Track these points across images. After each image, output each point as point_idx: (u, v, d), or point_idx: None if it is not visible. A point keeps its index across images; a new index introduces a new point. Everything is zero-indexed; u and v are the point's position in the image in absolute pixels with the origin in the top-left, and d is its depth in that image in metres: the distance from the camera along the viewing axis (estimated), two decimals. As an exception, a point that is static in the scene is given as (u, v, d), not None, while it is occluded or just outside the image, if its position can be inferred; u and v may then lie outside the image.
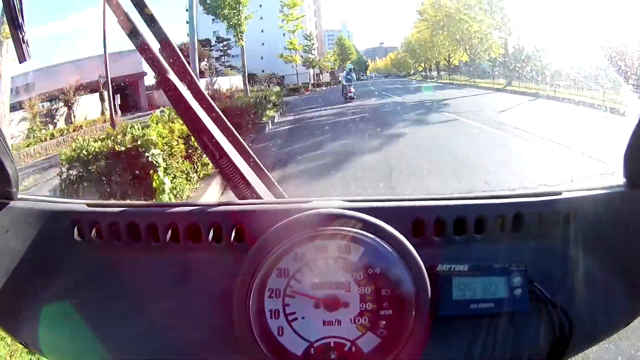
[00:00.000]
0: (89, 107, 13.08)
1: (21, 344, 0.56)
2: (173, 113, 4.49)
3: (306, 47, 24.66)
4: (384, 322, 0.46)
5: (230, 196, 0.59)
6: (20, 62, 0.62)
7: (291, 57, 22.64)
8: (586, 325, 0.51)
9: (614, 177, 0.57)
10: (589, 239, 0.54)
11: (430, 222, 0.52)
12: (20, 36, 0.61)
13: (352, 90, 10.29)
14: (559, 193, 0.55)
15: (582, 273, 0.53)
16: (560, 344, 0.50)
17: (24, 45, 0.61)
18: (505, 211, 0.53)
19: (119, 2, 0.55)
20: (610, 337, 0.54)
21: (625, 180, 0.55)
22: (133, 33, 0.55)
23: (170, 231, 0.52)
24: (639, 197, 0.54)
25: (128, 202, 0.55)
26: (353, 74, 12.62)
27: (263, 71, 23.37)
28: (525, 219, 0.53)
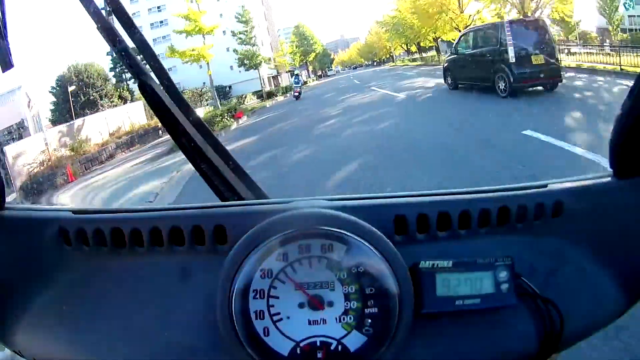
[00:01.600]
0: None
1: (14, 352, 0.57)
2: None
3: (241, 35, 14.77)
4: (369, 321, 0.46)
5: (212, 198, 0.59)
6: (4, 71, 0.62)
7: (196, 52, 12.28)
8: (577, 319, 0.51)
9: (601, 167, 0.56)
10: (577, 231, 0.53)
11: (412, 219, 0.51)
12: (3, 45, 0.61)
13: (299, 90, 14.10)
14: (545, 185, 0.55)
15: (570, 265, 0.53)
16: (551, 339, 0.50)
17: (7, 54, 0.62)
18: (490, 205, 0.52)
19: (97, 7, 0.56)
20: (602, 329, 0.54)
21: (612, 170, 0.54)
22: (112, 39, 0.55)
23: (153, 236, 0.53)
24: (627, 186, 0.53)
25: (113, 207, 0.55)
26: (300, 78, 15.82)
27: (204, 84, 15.74)
28: (510, 212, 0.52)
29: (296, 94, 14.14)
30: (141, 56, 0.58)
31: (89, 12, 0.56)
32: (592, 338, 0.54)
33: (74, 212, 0.56)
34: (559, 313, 0.50)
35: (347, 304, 0.46)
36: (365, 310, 0.46)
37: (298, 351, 0.46)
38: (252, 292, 0.46)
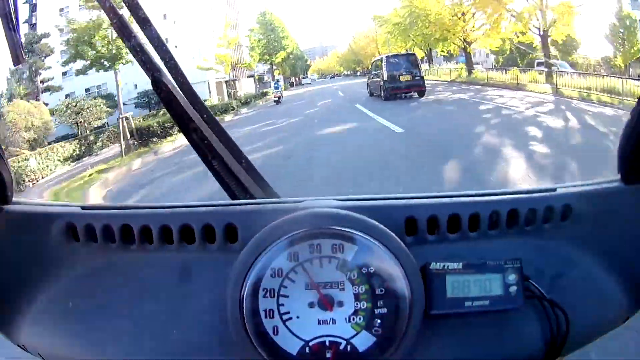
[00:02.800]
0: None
1: (19, 346, 0.56)
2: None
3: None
4: (378, 321, 0.46)
5: (223, 196, 0.59)
6: (15, 66, 0.63)
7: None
8: (583, 321, 0.51)
9: (609, 172, 0.56)
10: (584, 235, 0.54)
11: (423, 220, 0.51)
12: (15, 39, 0.61)
13: (279, 95, 13.28)
14: (554, 189, 0.55)
15: (577, 269, 0.53)
16: (557, 341, 0.50)
17: (18, 49, 0.62)
18: (499, 208, 0.53)
19: (112, 4, 0.56)
20: (608, 332, 0.54)
21: (620, 175, 0.54)
22: (126, 35, 0.55)
23: (163, 233, 0.53)
24: (634, 192, 0.54)
25: (122, 204, 0.55)
26: (279, 83, 14.83)
27: (88, 92, 9.70)
28: (519, 215, 0.53)
29: (276, 98, 13.65)
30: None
31: (103, 8, 0.56)
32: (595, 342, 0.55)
33: (83, 207, 0.56)
34: (565, 316, 0.50)
35: (357, 304, 0.46)
36: (375, 310, 0.46)
37: (307, 350, 0.46)
38: (262, 291, 0.46)
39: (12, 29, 0.61)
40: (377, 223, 0.48)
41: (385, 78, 9.42)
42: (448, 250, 0.51)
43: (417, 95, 9.51)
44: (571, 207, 0.54)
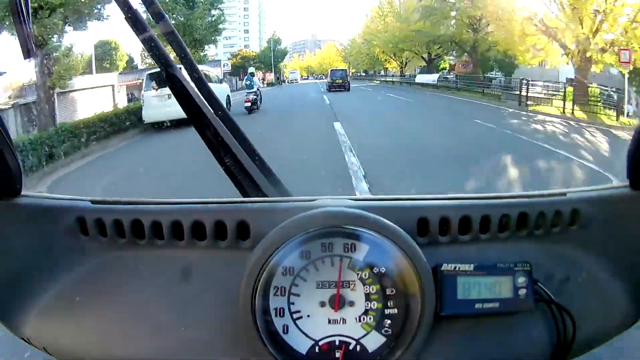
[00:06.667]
0: None
1: (24, 340, 0.56)
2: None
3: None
4: (389, 321, 0.46)
5: (235, 194, 0.59)
6: (25, 59, 0.62)
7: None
8: (590, 326, 0.51)
9: (618, 178, 0.57)
10: (592, 239, 0.54)
11: (435, 222, 0.51)
12: (26, 32, 0.61)
13: (251, 99, 8.46)
14: (564, 194, 0.56)
15: (584, 273, 0.53)
16: (564, 345, 0.51)
17: (29, 42, 0.61)
18: (510, 211, 0.53)
19: None
20: (614, 337, 0.55)
21: (629, 181, 0.55)
22: (140, 28, 0.55)
23: (174, 229, 0.52)
24: None
25: (133, 199, 0.55)
26: (254, 79, 9.53)
27: None
28: (529, 218, 0.53)
29: (247, 103, 8.54)
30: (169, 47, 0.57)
31: (116, 2, 0.56)
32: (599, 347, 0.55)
33: (93, 202, 0.56)
34: (572, 320, 0.50)
35: (367, 303, 0.46)
36: (386, 310, 0.46)
37: (317, 350, 0.46)
38: (273, 289, 0.46)
39: (23, 21, 0.60)
40: (390, 223, 0.48)
41: (329, 80, 17.33)
42: (459, 252, 0.52)
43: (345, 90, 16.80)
44: (580, 212, 0.54)
